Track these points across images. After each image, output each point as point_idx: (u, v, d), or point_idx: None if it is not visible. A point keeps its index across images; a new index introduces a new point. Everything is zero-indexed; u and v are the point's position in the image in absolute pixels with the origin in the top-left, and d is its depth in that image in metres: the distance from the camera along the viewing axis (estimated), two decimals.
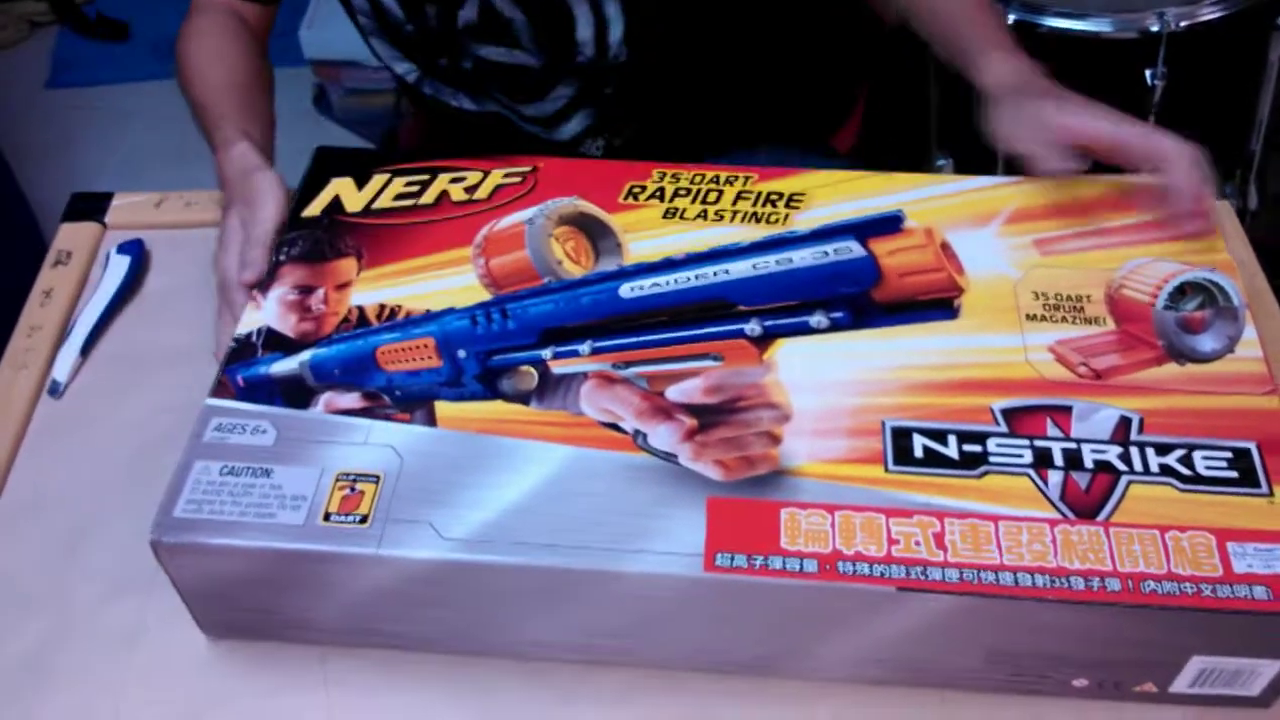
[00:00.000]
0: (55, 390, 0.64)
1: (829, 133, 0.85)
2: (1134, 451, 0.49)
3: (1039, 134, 0.58)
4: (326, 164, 0.62)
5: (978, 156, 1.18)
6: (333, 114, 1.71)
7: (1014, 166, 0.63)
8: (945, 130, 1.19)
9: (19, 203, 1.48)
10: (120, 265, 0.70)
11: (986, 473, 0.48)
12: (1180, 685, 0.49)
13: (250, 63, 0.72)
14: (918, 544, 0.46)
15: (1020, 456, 0.49)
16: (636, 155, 0.64)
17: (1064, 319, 0.54)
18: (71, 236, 0.73)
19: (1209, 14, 1.01)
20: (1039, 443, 0.49)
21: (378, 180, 0.61)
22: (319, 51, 1.68)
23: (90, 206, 0.75)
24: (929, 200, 0.60)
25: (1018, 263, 0.57)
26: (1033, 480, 0.48)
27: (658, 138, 0.77)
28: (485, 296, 0.55)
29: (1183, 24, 1.00)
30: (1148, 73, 1.02)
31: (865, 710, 0.50)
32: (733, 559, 0.45)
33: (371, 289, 0.56)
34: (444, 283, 0.56)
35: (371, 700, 0.52)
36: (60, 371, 0.65)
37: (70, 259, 0.71)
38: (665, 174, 0.61)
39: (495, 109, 0.76)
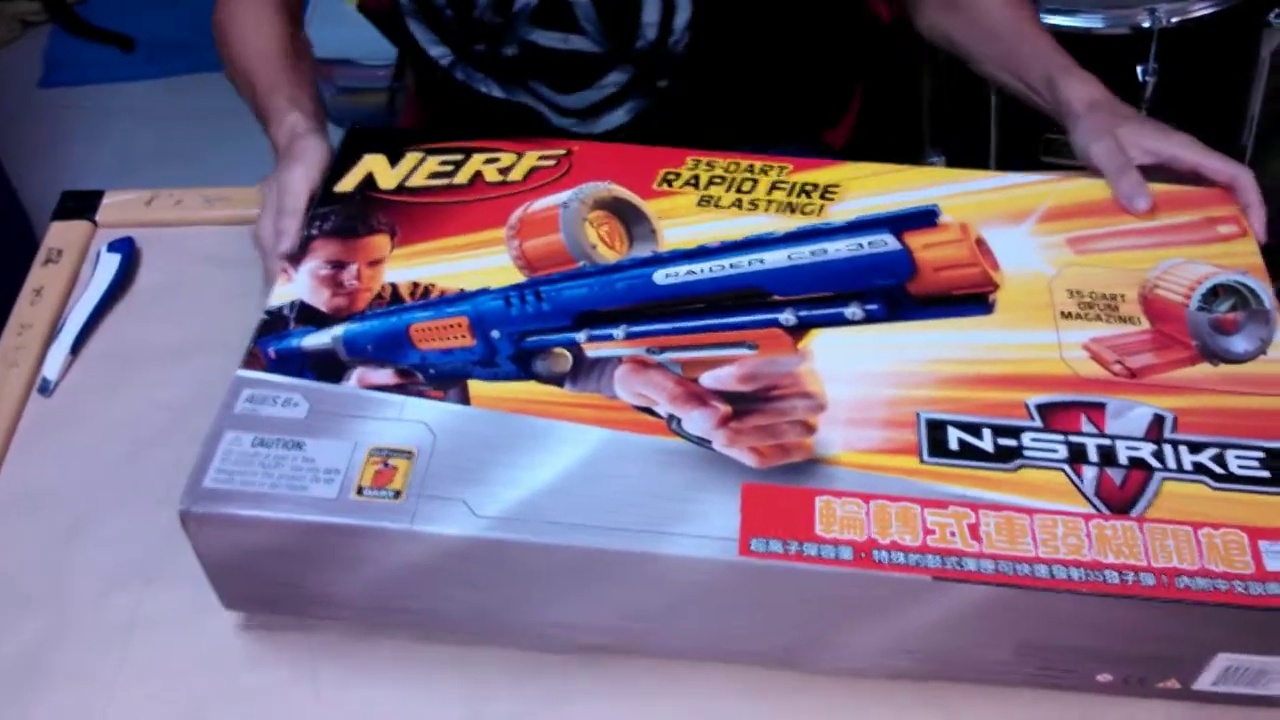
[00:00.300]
0: (46, 388, 0.64)
1: (825, 129, 0.85)
2: (1167, 449, 0.49)
3: (1117, 154, 0.61)
4: (359, 141, 0.62)
5: (970, 153, 1.19)
6: (326, 112, 1.72)
7: (1008, 165, 0.64)
8: (938, 127, 1.20)
9: (11, 201, 1.47)
10: (111, 263, 0.70)
11: (1021, 466, 0.48)
12: (1204, 683, 0.49)
13: (290, 29, 0.72)
14: (953, 535, 0.46)
15: (1055, 451, 0.49)
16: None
17: (1098, 317, 0.54)
18: (62, 235, 0.73)
19: (1200, 10, 1.02)
20: (1073, 438, 0.49)
21: (411, 158, 0.61)
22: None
23: (81, 205, 0.75)
24: (964, 195, 0.60)
25: (1052, 260, 0.57)
26: (1067, 475, 0.48)
27: (662, 130, 0.77)
28: (518, 278, 0.55)
29: (1174, 20, 1.01)
30: (1139, 69, 1.03)
31: (888, 705, 0.50)
32: (768, 544, 0.45)
33: (404, 266, 0.56)
34: (477, 263, 0.56)
35: (376, 693, 0.51)
36: (51, 369, 0.65)
37: (61, 257, 0.71)
38: (700, 161, 0.61)
39: (525, 99, 0.76)
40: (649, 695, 0.51)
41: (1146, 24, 1.01)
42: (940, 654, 0.49)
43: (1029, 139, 0.99)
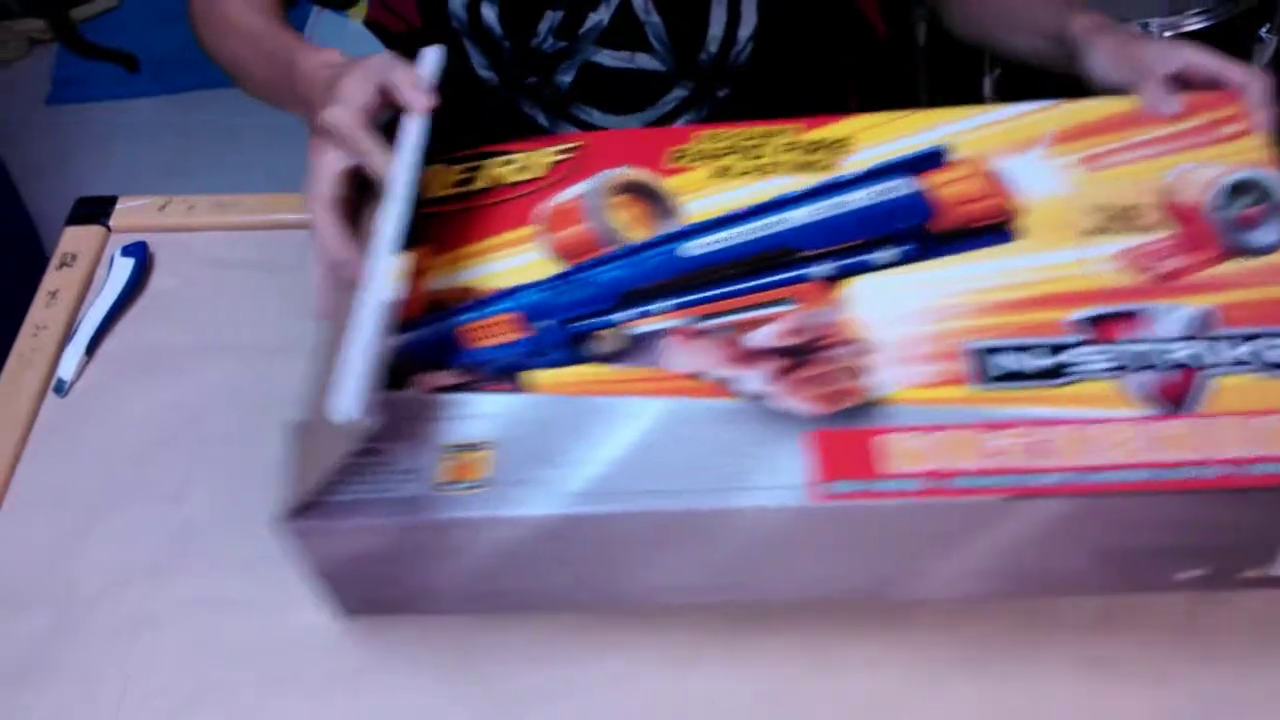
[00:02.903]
0: (60, 388, 0.66)
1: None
2: (1210, 346, 0.50)
3: (1137, 67, 0.62)
4: None
5: None
6: None
7: None
8: None
9: (20, 215, 1.50)
10: (124, 267, 0.71)
11: (1070, 381, 0.50)
12: None
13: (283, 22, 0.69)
14: (1017, 454, 0.47)
15: (1099, 363, 0.50)
16: None
17: (1121, 230, 0.55)
18: (76, 239, 0.75)
19: (1193, 24, 1.03)
20: (1115, 347, 0.50)
21: (430, 173, 0.63)
22: None
23: (95, 210, 0.76)
24: (972, 131, 0.61)
25: (1067, 181, 0.58)
26: (1115, 384, 0.49)
27: None
28: (555, 269, 0.57)
29: (1166, 34, 1.01)
30: None
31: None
32: (838, 486, 0.47)
33: (444, 274, 0.57)
34: (513, 261, 0.58)
35: (395, 681, 0.52)
36: (66, 370, 0.66)
37: (75, 261, 0.73)
38: (705, 135, 0.63)
39: (569, 129, 0.76)
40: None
41: None
42: (1020, 572, 0.50)
43: None
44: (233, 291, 0.71)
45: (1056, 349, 0.51)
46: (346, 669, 0.53)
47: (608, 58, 0.73)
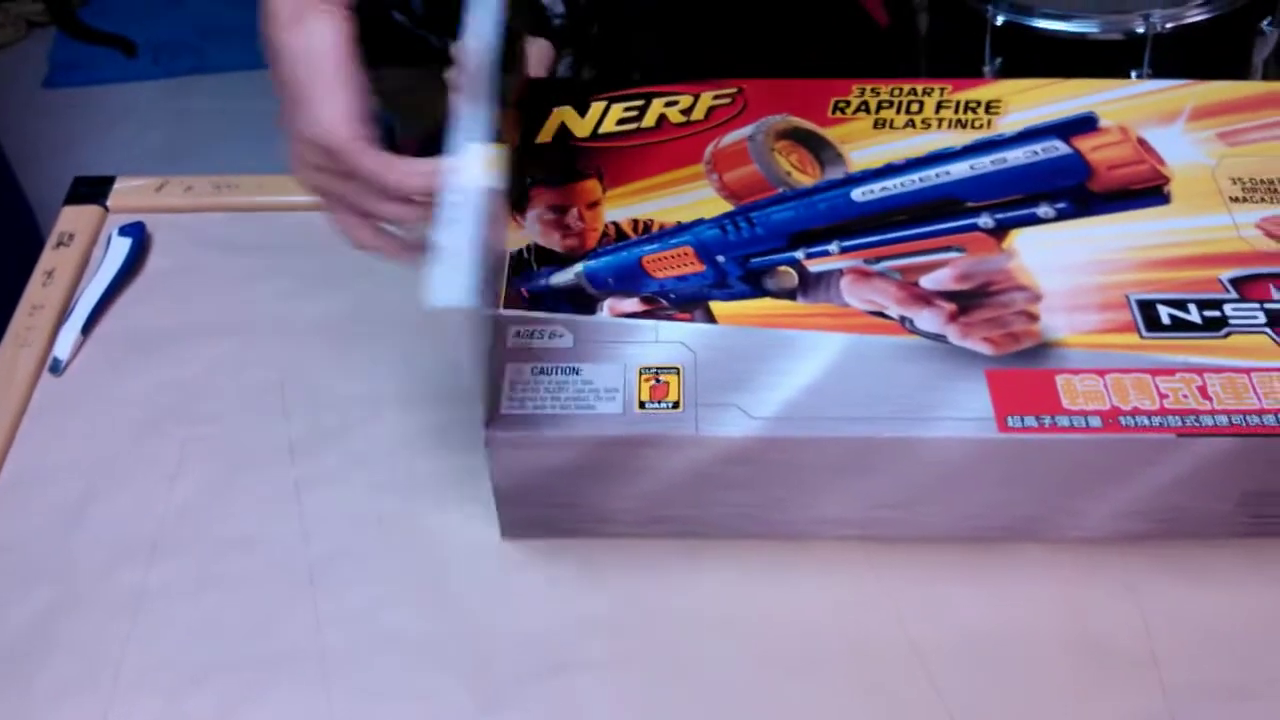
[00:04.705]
0: (56, 367, 0.66)
1: None
2: None
3: None
4: (543, 93, 0.65)
5: None
6: None
7: None
8: None
9: (17, 198, 1.48)
10: (121, 247, 0.71)
11: (1229, 333, 0.53)
12: None
13: None
14: (1185, 397, 0.50)
15: (1255, 318, 0.54)
16: None
17: (1263, 199, 0.59)
18: (73, 219, 0.74)
19: (1194, 16, 1.04)
20: (1269, 305, 0.54)
21: (597, 107, 0.64)
22: None
23: (92, 190, 0.76)
24: (1113, 102, 0.64)
25: (1209, 153, 0.61)
26: (1270, 337, 0.53)
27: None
28: (726, 207, 0.59)
29: (1168, 26, 1.03)
30: (1133, 74, 1.05)
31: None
32: (1023, 420, 0.50)
33: (620, 206, 0.60)
34: (684, 198, 0.60)
35: (385, 688, 0.53)
36: (62, 349, 0.66)
37: (72, 240, 0.73)
38: (865, 89, 0.65)
39: None
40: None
41: (1141, 30, 1.03)
42: (1169, 512, 0.53)
43: None
44: (230, 272, 0.71)
45: (1215, 304, 0.54)
46: (344, 648, 0.53)
47: None
